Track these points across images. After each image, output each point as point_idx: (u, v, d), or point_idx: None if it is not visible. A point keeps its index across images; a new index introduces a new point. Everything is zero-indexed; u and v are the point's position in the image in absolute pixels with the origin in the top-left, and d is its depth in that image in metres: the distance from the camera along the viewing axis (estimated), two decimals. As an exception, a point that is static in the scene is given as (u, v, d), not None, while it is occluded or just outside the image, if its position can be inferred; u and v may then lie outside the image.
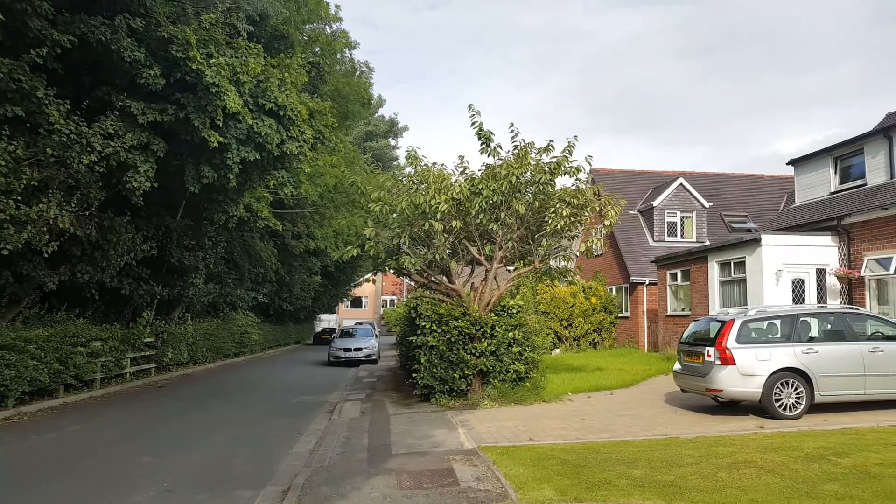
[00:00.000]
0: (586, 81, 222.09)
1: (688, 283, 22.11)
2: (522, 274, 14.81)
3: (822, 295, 17.58)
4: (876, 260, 16.35)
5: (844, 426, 10.20)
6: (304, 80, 19.22)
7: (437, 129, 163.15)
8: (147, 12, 15.35)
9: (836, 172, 19.47)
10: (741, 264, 18.65)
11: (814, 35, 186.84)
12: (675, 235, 29.35)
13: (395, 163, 56.63)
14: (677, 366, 12.76)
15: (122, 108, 15.00)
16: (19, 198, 13.03)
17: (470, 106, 13.70)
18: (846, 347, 11.29)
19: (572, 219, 13.32)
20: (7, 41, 13.37)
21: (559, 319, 28.08)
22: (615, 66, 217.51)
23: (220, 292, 28.65)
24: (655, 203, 29.33)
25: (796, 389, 10.93)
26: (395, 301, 76.59)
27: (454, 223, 13.12)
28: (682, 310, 22.70)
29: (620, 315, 29.15)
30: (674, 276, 23.35)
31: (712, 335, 11.67)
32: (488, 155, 13.85)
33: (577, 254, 17.05)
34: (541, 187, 13.46)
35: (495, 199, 13.04)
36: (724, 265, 19.71)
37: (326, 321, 62.81)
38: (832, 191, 19.40)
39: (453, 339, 13.28)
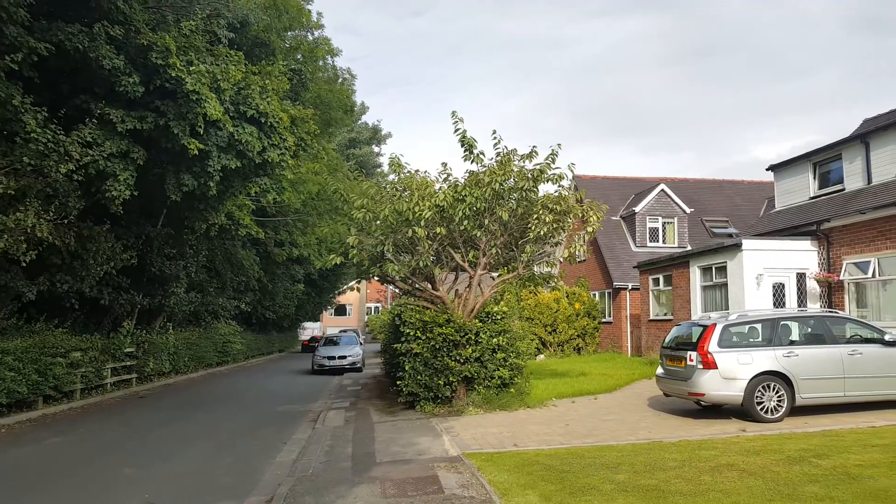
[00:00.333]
0: (570, 88, 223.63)
1: (670, 287, 22.24)
2: (506, 280, 14.84)
3: (802, 299, 17.75)
4: (854, 264, 16.53)
5: (825, 428, 10.29)
6: (285, 87, 19.17)
7: (421, 136, 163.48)
8: (126, 20, 15.25)
9: (815, 178, 19.68)
10: (722, 269, 18.80)
11: (793, 43, 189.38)
12: (657, 241, 29.55)
13: (378, 170, 56.49)
14: (660, 370, 12.82)
15: (100, 115, 14.89)
16: (-4, 206, 12.89)
17: (453, 113, 13.72)
18: (826, 350, 11.40)
19: (555, 225, 13.38)
20: (-18, 49, 13.24)
21: (543, 325, 28.13)
22: (599, 74, 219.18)
23: (201, 301, 28.44)
24: (637, 209, 29.51)
25: (777, 392, 11.02)
26: (380, 308, 76.39)
27: (438, 230, 13.12)
28: (665, 314, 22.82)
29: (604, 320, 29.25)
30: (656, 282, 23.48)
31: (694, 339, 11.75)
32: (471, 162, 13.86)
33: (561, 260, 17.13)
34: (524, 194, 13.48)
35: (479, 205, 13.05)
36: (706, 270, 19.85)
37: (310, 329, 62.40)
38: (811, 196, 19.60)
39: (437, 346, 13.25)
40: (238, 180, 18.82)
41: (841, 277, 16.88)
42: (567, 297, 28.91)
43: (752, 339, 11.75)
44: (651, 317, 23.83)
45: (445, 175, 14.04)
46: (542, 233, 13.26)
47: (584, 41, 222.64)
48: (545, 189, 14.10)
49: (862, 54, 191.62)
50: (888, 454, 8.31)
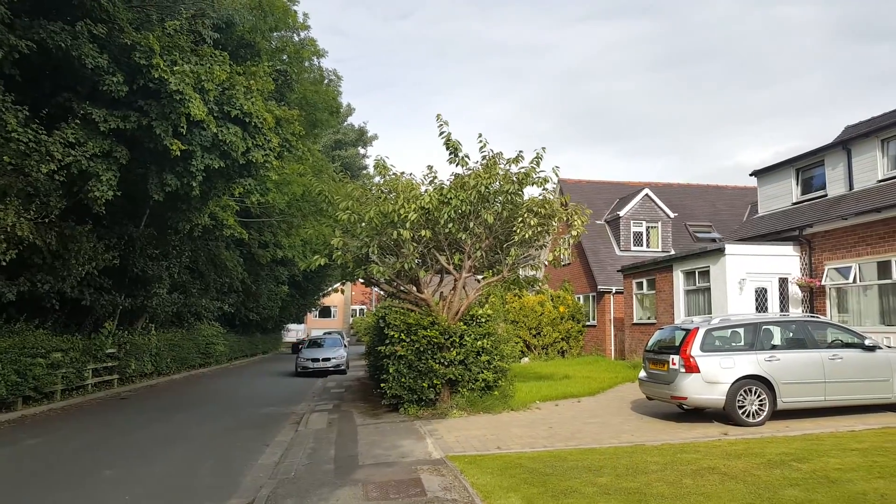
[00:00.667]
0: (555, 92, 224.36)
1: (653, 291, 22.35)
2: (491, 283, 14.84)
3: (784, 303, 17.89)
4: (836, 269, 16.69)
5: (805, 432, 10.37)
6: (270, 87, 19.09)
7: (407, 138, 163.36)
8: (110, 18, 15.11)
9: (797, 184, 19.87)
10: (705, 273, 18.92)
11: (776, 50, 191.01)
12: (641, 245, 29.69)
13: (364, 171, 56.37)
14: (643, 374, 12.87)
15: (83, 115, 14.74)
16: (-25, 205, 12.73)
17: (438, 116, 13.74)
18: (807, 355, 11.48)
19: (540, 228, 13.40)
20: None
21: (528, 328, 28.18)
22: (583, 78, 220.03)
23: (184, 302, 28.23)
24: (622, 213, 29.65)
25: (759, 396, 11.08)
26: (365, 310, 76.21)
27: (423, 232, 13.11)
28: (648, 318, 22.92)
29: (588, 323, 29.35)
30: (640, 285, 23.58)
31: (677, 343, 11.80)
32: (456, 164, 13.86)
33: (546, 263, 17.14)
34: (509, 197, 13.50)
35: (464, 208, 13.05)
36: (689, 274, 19.97)
37: (295, 331, 62.11)
38: (794, 201, 19.78)
39: (422, 349, 13.24)
40: (222, 181, 18.71)
41: (823, 282, 17.04)
42: (552, 300, 28.98)
43: (734, 344, 11.83)
44: (635, 320, 23.93)
45: (431, 178, 14.06)
46: (526, 236, 13.27)
47: (569, 46, 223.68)
48: (530, 192, 14.16)
49: (845, 61, 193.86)
50: (867, 458, 8.39)
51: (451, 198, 13.01)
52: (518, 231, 13.29)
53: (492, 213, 13.27)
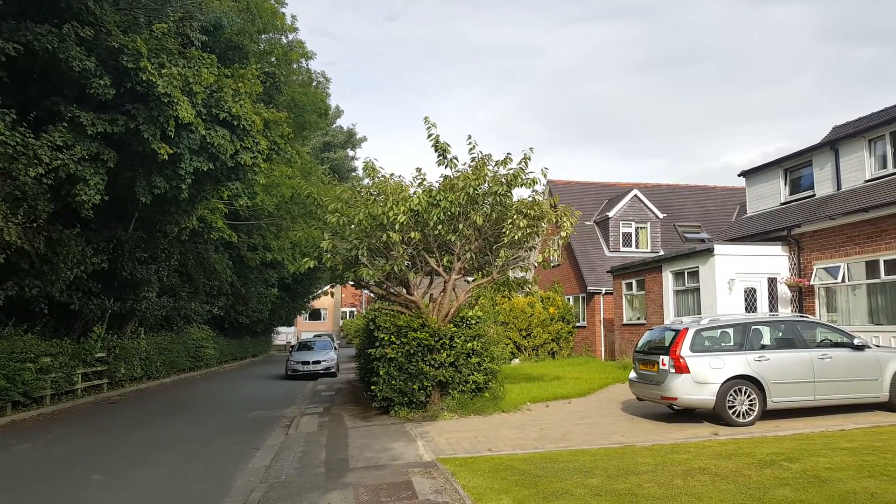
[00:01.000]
0: (544, 94, 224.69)
1: (643, 292, 22.41)
2: (481, 285, 14.84)
3: (773, 303, 17.98)
4: (825, 269, 16.79)
5: (796, 432, 10.42)
6: (258, 90, 19.03)
7: (396, 140, 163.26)
8: (97, 21, 15.04)
9: (786, 184, 19.98)
10: (695, 274, 18.99)
11: (764, 51, 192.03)
12: (631, 246, 29.79)
13: (353, 174, 56.17)
14: (633, 374, 12.89)
15: (71, 118, 14.66)
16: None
17: (426, 118, 13.74)
18: (797, 355, 11.53)
19: (529, 230, 13.41)
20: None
21: (518, 329, 28.21)
22: (572, 80, 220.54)
23: (173, 306, 28.09)
24: (611, 214, 29.74)
25: (749, 396, 11.12)
26: (355, 313, 76.02)
27: (412, 234, 13.10)
28: (638, 319, 22.99)
29: (578, 324, 29.41)
30: (629, 286, 23.65)
31: (667, 344, 11.83)
32: (445, 166, 13.86)
33: (535, 264, 17.16)
34: (498, 199, 13.51)
35: (453, 210, 13.06)
36: (678, 275, 20.04)
37: (285, 334, 61.92)
38: (782, 202, 19.89)
39: (412, 351, 13.22)
40: (210, 183, 18.65)
41: (811, 282, 17.14)
42: (542, 301, 29.04)
43: (723, 344, 11.87)
44: (624, 321, 23.99)
45: (420, 180, 14.04)
46: (516, 237, 13.29)
47: (559, 48, 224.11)
48: (519, 194, 14.17)
49: (832, 62, 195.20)
50: (857, 457, 8.43)
51: (440, 199, 13.02)
52: (507, 232, 13.31)
53: (481, 215, 13.28)
